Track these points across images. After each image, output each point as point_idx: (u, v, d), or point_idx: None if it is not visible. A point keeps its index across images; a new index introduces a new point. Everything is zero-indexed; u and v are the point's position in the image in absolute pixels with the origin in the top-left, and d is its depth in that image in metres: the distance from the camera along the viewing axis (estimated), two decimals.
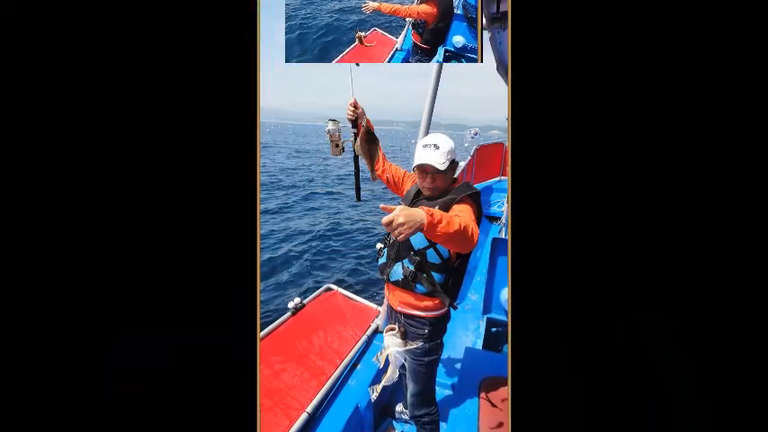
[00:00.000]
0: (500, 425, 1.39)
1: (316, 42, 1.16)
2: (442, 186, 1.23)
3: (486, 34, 1.33)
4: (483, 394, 1.48)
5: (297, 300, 1.98)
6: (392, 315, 1.38)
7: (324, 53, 1.16)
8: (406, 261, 1.25)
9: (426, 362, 1.32)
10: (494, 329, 2.51)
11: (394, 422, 1.75)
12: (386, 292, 1.41)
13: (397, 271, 1.27)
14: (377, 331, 2.00)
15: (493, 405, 1.44)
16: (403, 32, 1.17)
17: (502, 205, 4.10)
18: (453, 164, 1.22)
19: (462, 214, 1.08)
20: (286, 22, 1.15)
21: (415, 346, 1.25)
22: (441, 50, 1.17)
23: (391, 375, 1.24)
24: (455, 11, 1.14)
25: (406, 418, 1.68)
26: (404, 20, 1.15)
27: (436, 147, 1.18)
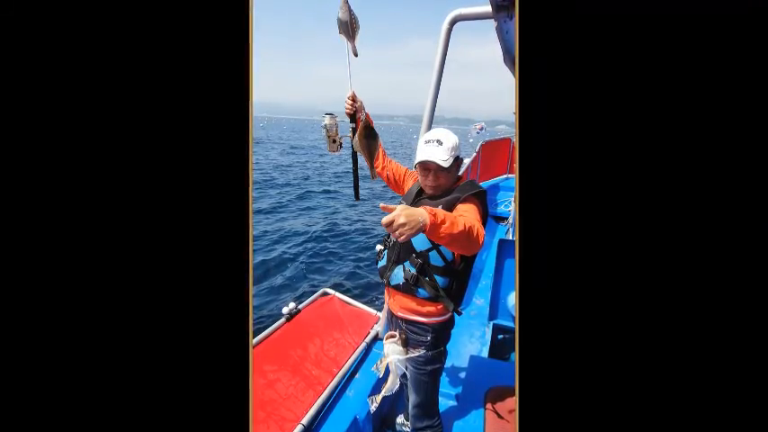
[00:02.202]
0: None
1: None
2: (445, 184, 1.23)
3: (493, 23, 1.33)
4: (489, 405, 1.48)
5: (292, 305, 1.98)
6: (393, 321, 1.38)
7: None
8: (407, 264, 1.25)
9: (429, 371, 1.32)
10: (500, 336, 2.51)
11: None
12: (386, 296, 1.41)
13: (398, 274, 1.27)
14: (376, 338, 2.01)
15: (500, 416, 1.44)
16: None
17: (509, 205, 4.11)
18: (457, 161, 1.22)
19: (467, 214, 1.08)
20: None
21: (416, 354, 1.25)
22: None
23: (391, 385, 1.24)
24: None
25: (408, 430, 1.68)
26: None
27: (439, 143, 1.18)
